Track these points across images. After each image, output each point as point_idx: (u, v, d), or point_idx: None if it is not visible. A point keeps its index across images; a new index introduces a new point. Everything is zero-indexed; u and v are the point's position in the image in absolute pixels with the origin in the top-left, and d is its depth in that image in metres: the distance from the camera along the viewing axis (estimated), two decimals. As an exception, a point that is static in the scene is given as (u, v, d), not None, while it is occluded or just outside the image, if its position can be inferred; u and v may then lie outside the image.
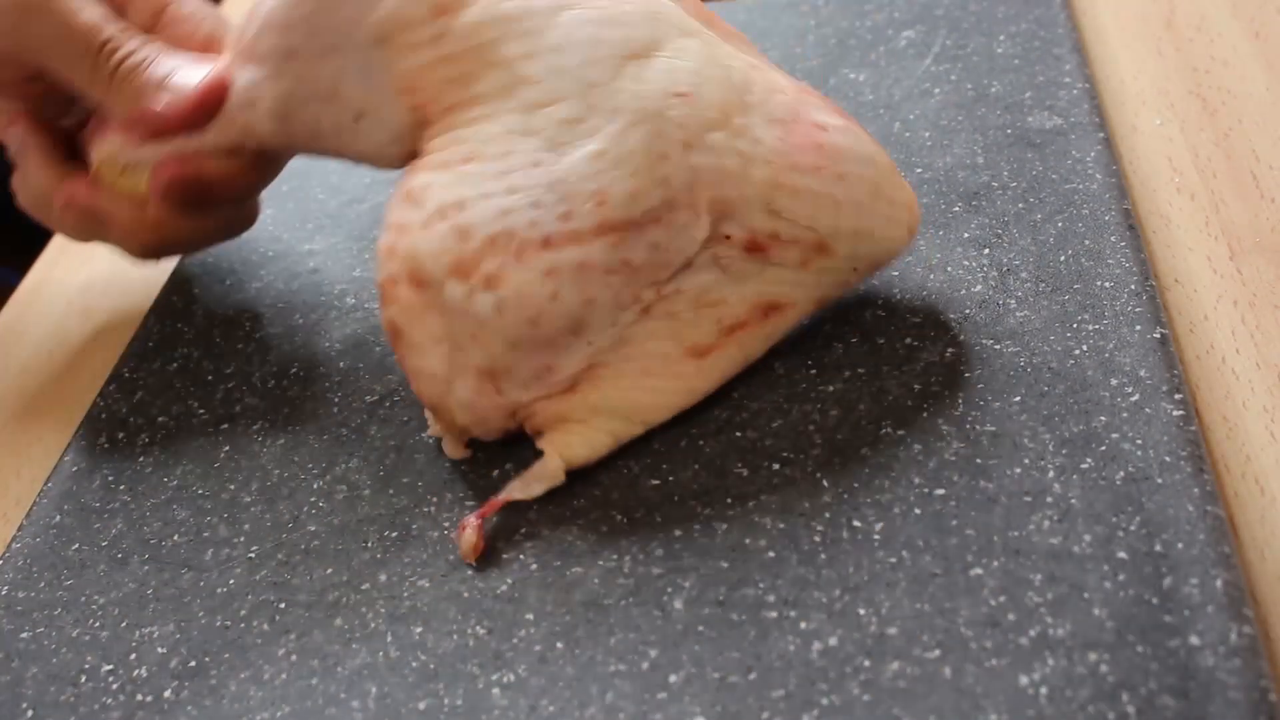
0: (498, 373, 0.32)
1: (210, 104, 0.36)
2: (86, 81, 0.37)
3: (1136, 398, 0.31)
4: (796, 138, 0.32)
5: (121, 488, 0.37)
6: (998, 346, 0.34)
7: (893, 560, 0.29)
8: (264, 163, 0.38)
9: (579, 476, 0.33)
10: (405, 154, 0.34)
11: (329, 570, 0.32)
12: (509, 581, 0.31)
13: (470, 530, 0.31)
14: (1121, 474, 0.29)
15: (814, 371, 0.35)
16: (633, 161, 0.31)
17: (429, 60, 0.32)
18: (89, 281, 0.48)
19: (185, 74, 0.36)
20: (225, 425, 0.38)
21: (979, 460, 0.31)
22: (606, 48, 0.32)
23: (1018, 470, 0.30)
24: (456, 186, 0.31)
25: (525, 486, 0.32)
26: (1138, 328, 0.33)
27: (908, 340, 0.35)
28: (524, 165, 0.31)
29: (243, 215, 0.41)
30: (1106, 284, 0.35)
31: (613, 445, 0.33)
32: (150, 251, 0.40)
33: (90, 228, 0.39)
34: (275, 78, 0.34)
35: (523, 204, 0.31)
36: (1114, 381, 0.32)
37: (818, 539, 0.30)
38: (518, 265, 0.30)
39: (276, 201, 0.47)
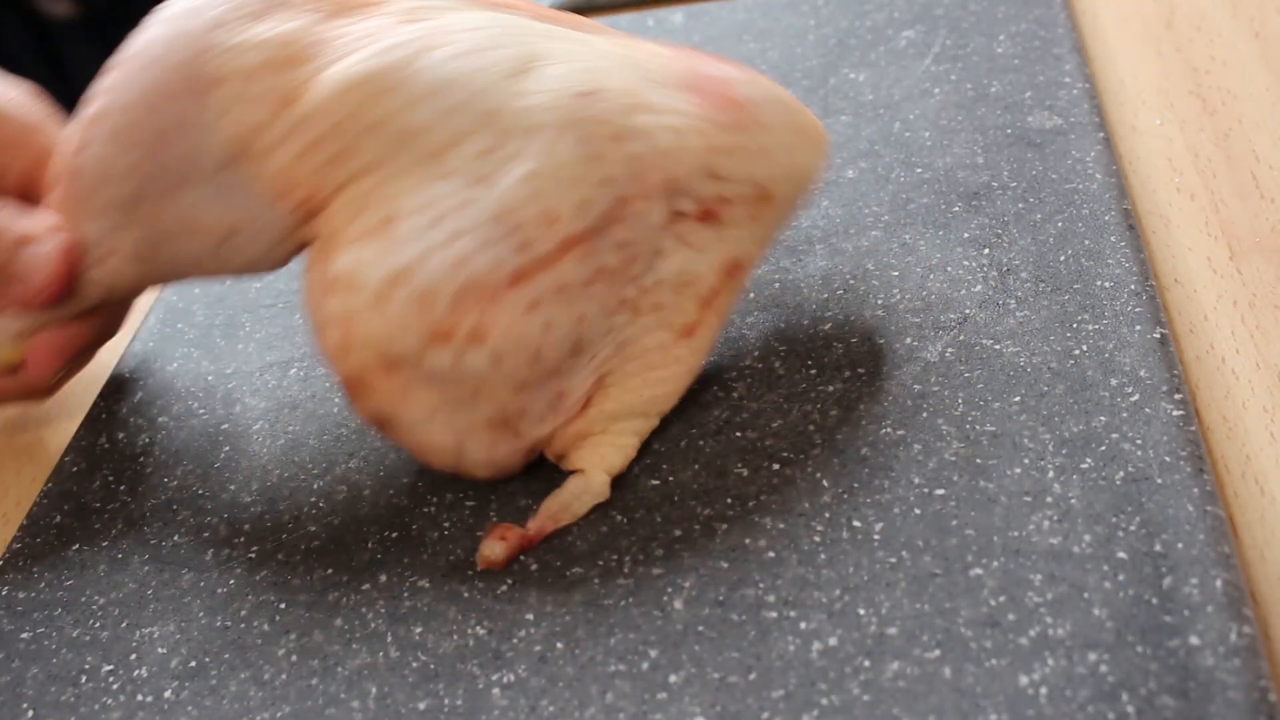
0: (510, 419, 0.31)
1: (64, 282, 0.33)
2: None
3: (1136, 398, 0.31)
4: (711, 98, 0.31)
5: (121, 488, 0.37)
6: (998, 346, 0.34)
7: (893, 560, 0.29)
8: (134, 297, 0.36)
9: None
10: (291, 252, 0.32)
11: (329, 570, 0.32)
12: (509, 581, 0.31)
13: (500, 551, 0.31)
14: (1121, 474, 0.29)
15: (814, 371, 0.35)
16: (570, 171, 0.30)
17: (294, 155, 0.30)
18: (89, 281, 0.48)
19: (34, 250, 0.33)
20: (225, 425, 0.38)
21: (979, 460, 0.31)
22: (485, 75, 0.30)
23: (1018, 470, 0.30)
24: (392, 254, 0.29)
25: (569, 509, 0.31)
26: (1138, 328, 0.33)
27: (908, 340, 0.35)
28: (454, 208, 0.29)
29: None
30: (1106, 284, 0.35)
31: (639, 444, 0.33)
32: (34, 396, 0.38)
33: None
34: (125, 228, 0.32)
35: (473, 248, 0.29)
36: (1114, 381, 0.32)
37: (818, 539, 0.30)
38: (497, 310, 0.29)
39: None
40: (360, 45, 0.30)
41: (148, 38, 0.31)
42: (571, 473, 0.32)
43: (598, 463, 0.32)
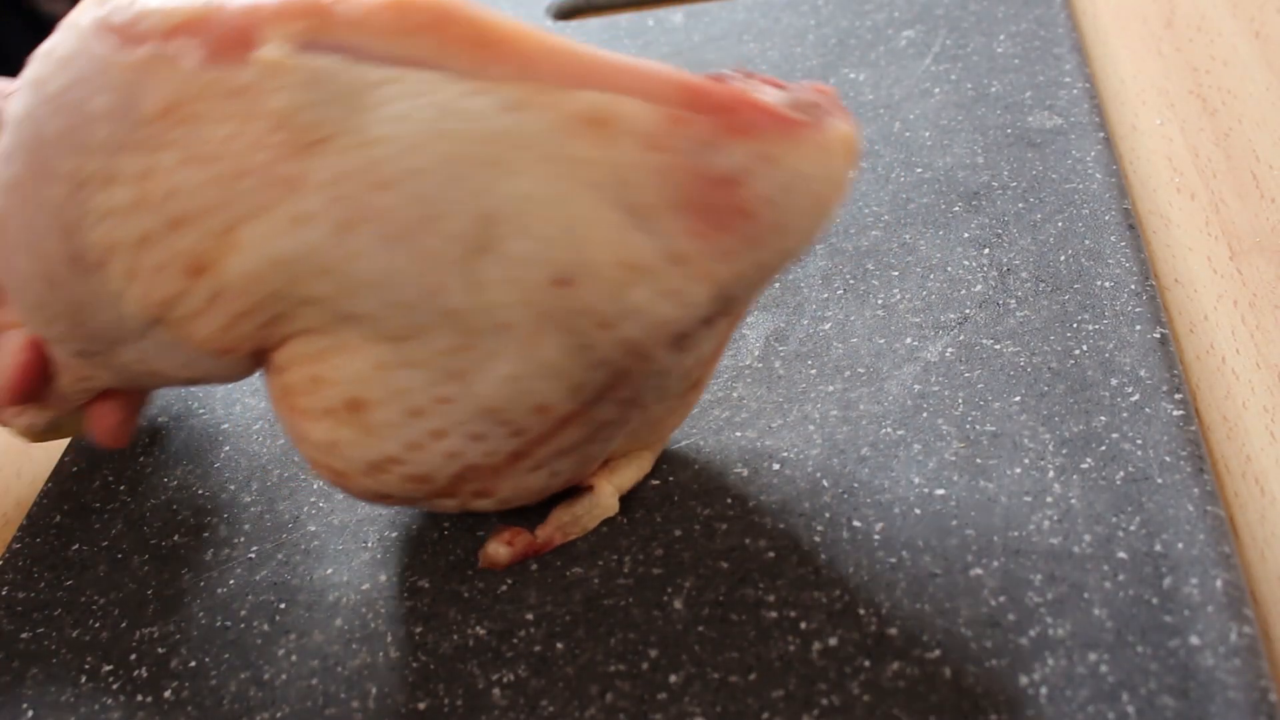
0: (514, 501, 0.31)
1: (27, 385, 0.31)
2: None
3: (1136, 398, 0.31)
4: (713, 219, 0.25)
5: (121, 488, 0.37)
6: (998, 346, 0.34)
7: (893, 560, 0.29)
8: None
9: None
10: (254, 368, 0.29)
11: (329, 570, 0.32)
12: (509, 581, 0.31)
13: (504, 554, 0.31)
14: (1121, 474, 0.29)
15: (814, 371, 0.35)
16: (555, 368, 0.26)
17: (222, 322, 0.26)
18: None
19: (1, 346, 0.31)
20: (225, 425, 0.38)
21: (979, 460, 0.31)
22: (434, 268, 0.25)
23: (1018, 470, 0.30)
24: (374, 443, 0.27)
25: (578, 522, 0.31)
26: (1138, 328, 0.33)
27: (908, 340, 0.35)
28: (431, 403, 0.26)
29: None
30: (1106, 284, 0.35)
31: (653, 462, 0.33)
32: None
33: None
34: (91, 367, 0.30)
35: (463, 441, 0.27)
36: (1114, 381, 0.32)
37: (818, 539, 0.30)
38: (500, 479, 0.28)
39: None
40: (274, 203, 0.25)
41: (17, 186, 0.26)
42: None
43: (608, 477, 0.32)
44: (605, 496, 0.31)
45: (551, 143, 0.25)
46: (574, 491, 0.32)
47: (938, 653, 0.26)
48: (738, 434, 0.33)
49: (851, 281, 0.37)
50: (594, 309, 0.25)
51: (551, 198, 0.25)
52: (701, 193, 0.25)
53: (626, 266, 0.25)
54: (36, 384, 0.31)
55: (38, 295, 0.27)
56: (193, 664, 0.31)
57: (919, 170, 0.41)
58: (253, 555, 0.33)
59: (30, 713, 0.30)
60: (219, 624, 0.32)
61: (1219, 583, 0.26)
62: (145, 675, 0.31)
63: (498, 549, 0.31)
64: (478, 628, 0.30)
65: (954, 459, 0.31)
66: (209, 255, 0.25)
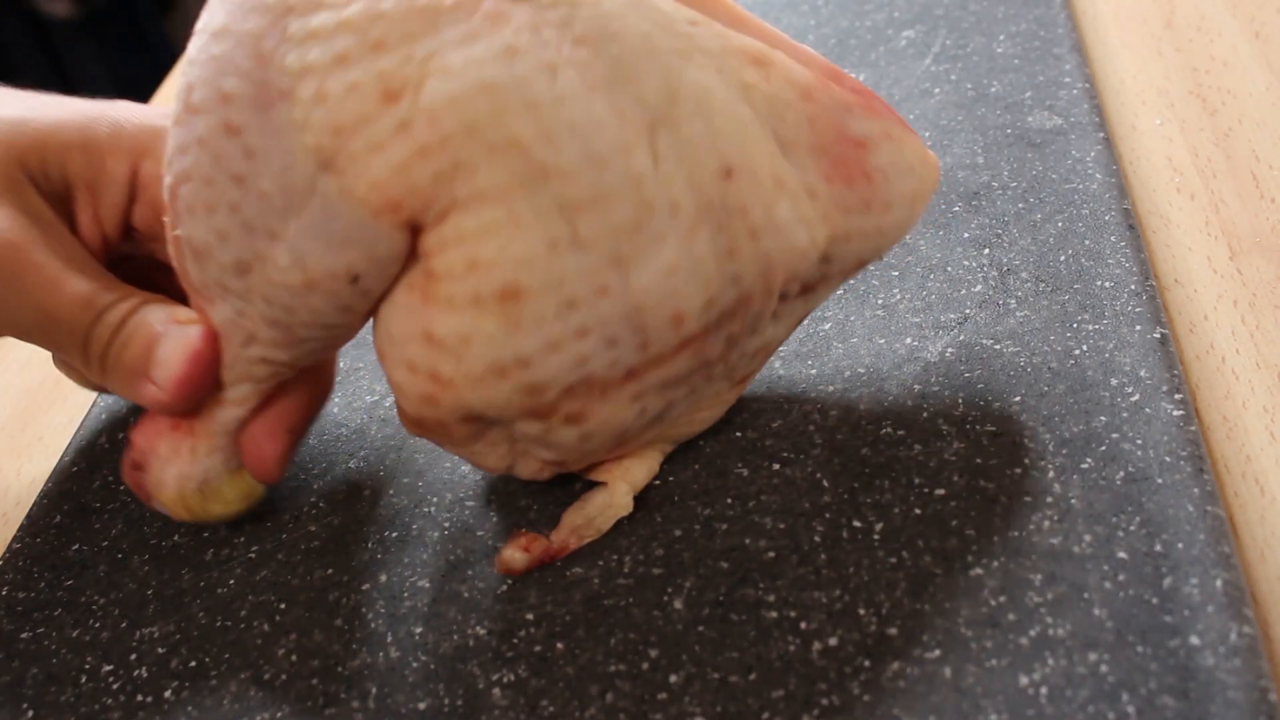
0: (568, 464, 0.31)
1: (201, 373, 0.29)
2: (80, 362, 0.32)
3: (1136, 398, 0.31)
4: (842, 170, 0.29)
5: (121, 488, 0.37)
6: (998, 346, 0.34)
7: (893, 560, 0.29)
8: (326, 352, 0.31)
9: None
10: (398, 261, 0.27)
11: (329, 570, 0.32)
12: (509, 581, 0.31)
13: (520, 561, 0.30)
14: (1121, 474, 0.29)
15: (814, 371, 0.35)
16: (704, 269, 0.27)
17: (402, 158, 0.25)
18: (89, 281, 0.48)
19: (168, 346, 0.30)
20: (225, 425, 0.38)
21: (979, 460, 0.31)
22: (625, 123, 0.26)
23: (1018, 470, 0.30)
24: (515, 339, 0.26)
25: (593, 524, 0.31)
26: (1138, 328, 0.33)
27: (908, 340, 0.35)
28: (588, 294, 0.26)
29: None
30: (1106, 284, 0.35)
31: (662, 459, 0.33)
32: None
33: None
34: (247, 300, 0.28)
35: (597, 346, 0.27)
36: (1114, 381, 0.32)
37: (818, 539, 0.30)
38: (602, 402, 0.28)
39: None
40: (483, 33, 0.25)
41: (212, 34, 0.26)
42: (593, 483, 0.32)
43: (621, 475, 0.31)
44: (620, 495, 0.31)
45: (725, 60, 0.27)
46: (587, 490, 0.32)
47: (938, 653, 0.26)
48: (738, 434, 0.33)
49: (851, 281, 0.37)
50: (748, 210, 0.27)
51: (727, 99, 0.27)
52: (838, 145, 0.29)
53: (777, 181, 0.28)
54: (208, 374, 0.30)
55: (210, 156, 0.26)
56: (193, 664, 0.31)
57: (919, 170, 0.41)
58: (253, 555, 0.33)
59: (30, 713, 0.30)
60: (219, 624, 0.32)
61: (1219, 583, 0.26)
62: (145, 675, 0.31)
63: (514, 555, 0.30)
64: (478, 628, 0.30)
65: (954, 459, 0.31)
66: (409, 79, 0.25)
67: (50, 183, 0.33)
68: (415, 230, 0.26)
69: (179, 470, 0.31)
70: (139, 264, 0.36)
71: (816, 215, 0.29)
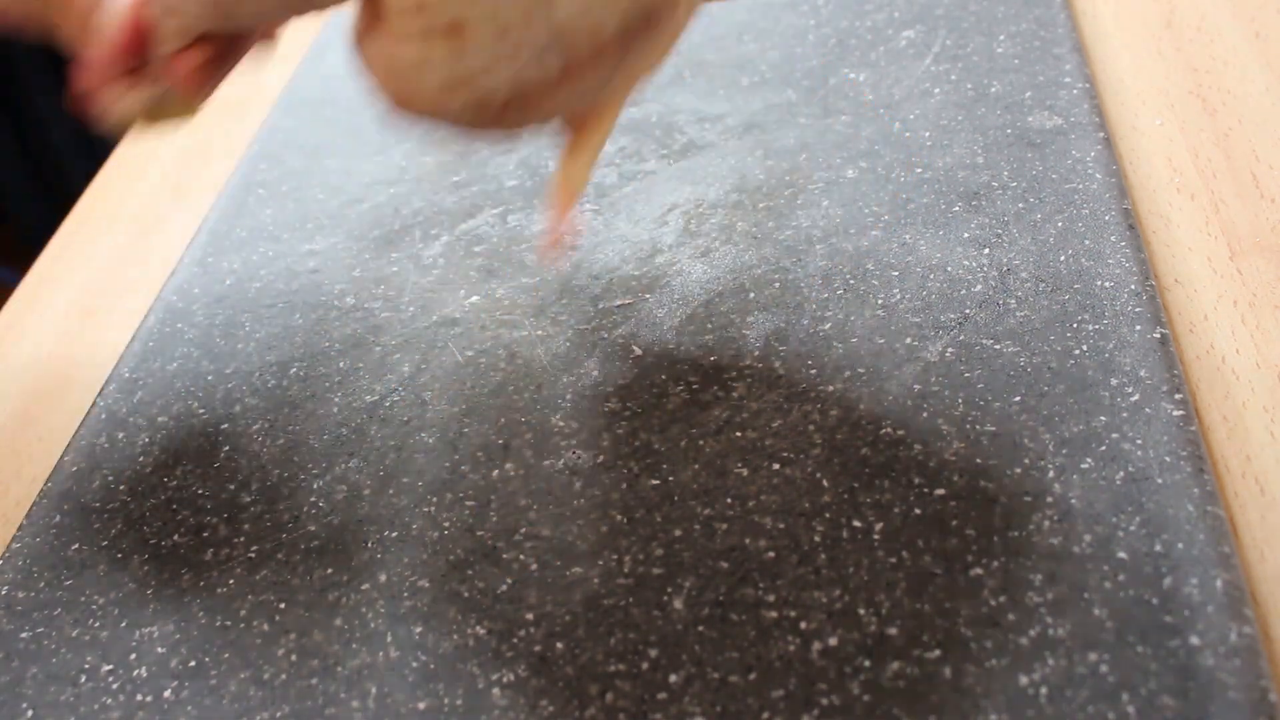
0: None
1: (135, 38, 0.33)
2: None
3: (1136, 398, 0.31)
4: None
5: (121, 488, 0.37)
6: (998, 346, 0.34)
7: (893, 560, 0.29)
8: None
9: (579, 476, 0.33)
10: None
11: (329, 570, 0.32)
12: (509, 581, 0.31)
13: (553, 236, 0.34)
14: (1121, 474, 0.29)
15: (814, 371, 0.35)
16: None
17: None
18: (89, 281, 0.48)
19: (107, 10, 0.33)
20: (225, 425, 0.38)
21: (979, 460, 0.31)
22: None
23: (1018, 470, 0.30)
24: (459, 62, 0.31)
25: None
26: (1138, 328, 0.33)
27: (908, 340, 0.35)
28: (518, 22, 0.30)
29: None
30: (1106, 284, 0.35)
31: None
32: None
33: None
34: None
35: (529, 60, 0.31)
36: (1114, 381, 0.32)
37: (818, 539, 0.30)
38: (545, 101, 0.32)
39: (276, 201, 0.47)
40: None
41: None
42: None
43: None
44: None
45: None
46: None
47: (938, 653, 0.26)
48: (738, 434, 0.33)
49: (851, 281, 0.37)
50: None
51: None
52: None
53: None
54: (141, 39, 0.33)
55: None
56: (193, 664, 0.31)
57: (919, 170, 0.41)
58: (253, 555, 0.33)
59: (30, 713, 0.30)
60: (219, 624, 0.32)
61: (1219, 583, 0.26)
62: (145, 675, 0.31)
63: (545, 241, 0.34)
64: (478, 628, 0.30)
65: (954, 459, 0.31)
66: None
67: None
68: None
69: (131, 101, 0.34)
70: None
71: None
